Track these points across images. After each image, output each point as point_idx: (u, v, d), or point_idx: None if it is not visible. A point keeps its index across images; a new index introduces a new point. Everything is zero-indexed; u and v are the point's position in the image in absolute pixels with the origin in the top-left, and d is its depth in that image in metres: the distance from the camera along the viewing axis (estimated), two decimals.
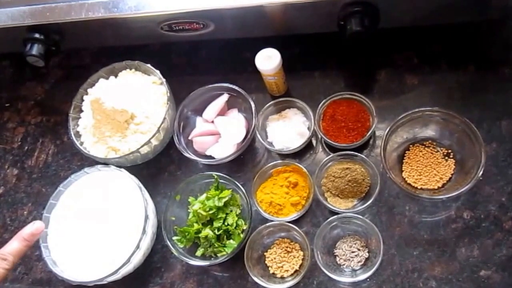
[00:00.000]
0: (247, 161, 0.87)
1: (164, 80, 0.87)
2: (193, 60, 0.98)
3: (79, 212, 0.81)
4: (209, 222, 0.80)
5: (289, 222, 0.78)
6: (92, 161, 0.88)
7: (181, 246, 0.80)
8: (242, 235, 0.78)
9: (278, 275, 0.78)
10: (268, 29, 0.87)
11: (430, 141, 0.80)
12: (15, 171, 0.96)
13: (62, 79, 1.03)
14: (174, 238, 0.80)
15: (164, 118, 0.83)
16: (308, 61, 0.92)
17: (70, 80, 1.00)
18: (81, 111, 0.90)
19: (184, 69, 0.97)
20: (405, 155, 0.81)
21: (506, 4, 0.82)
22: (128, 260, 0.76)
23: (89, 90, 0.90)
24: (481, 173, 0.70)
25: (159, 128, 0.83)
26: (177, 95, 0.90)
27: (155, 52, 0.99)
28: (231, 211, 0.80)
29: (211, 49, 0.97)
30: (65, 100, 0.97)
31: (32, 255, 0.87)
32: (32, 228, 0.69)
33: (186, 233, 0.79)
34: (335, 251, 0.77)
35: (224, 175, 0.82)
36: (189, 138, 0.88)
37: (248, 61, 0.85)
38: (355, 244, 0.77)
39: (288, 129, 0.84)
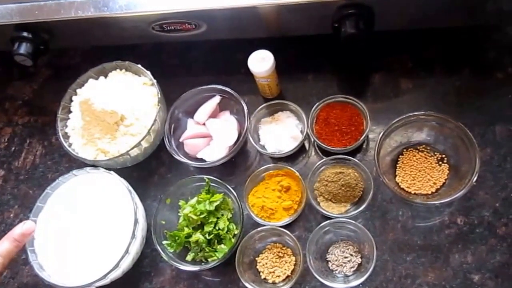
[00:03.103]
0: (239, 164, 0.86)
1: (155, 81, 0.86)
2: (185, 61, 0.96)
3: (66, 216, 0.80)
4: (199, 226, 0.79)
5: (281, 226, 0.77)
6: (80, 163, 0.86)
7: (171, 250, 0.78)
8: (233, 240, 0.77)
9: (270, 281, 0.76)
10: (261, 30, 0.86)
11: (424, 146, 0.79)
12: (2, 172, 0.94)
13: (51, 79, 1.01)
14: (164, 242, 0.78)
15: (155, 120, 0.82)
16: (302, 64, 0.91)
17: (59, 80, 0.98)
18: (70, 111, 0.88)
19: (176, 70, 0.96)
20: (399, 159, 0.80)
21: (501, 9, 0.81)
22: (117, 265, 0.74)
23: (78, 91, 0.88)
24: (475, 178, 0.70)
25: (149, 130, 0.81)
26: (169, 96, 0.88)
27: (147, 53, 0.97)
28: (222, 215, 0.79)
29: (204, 50, 0.95)
30: (53, 100, 0.95)
31: (19, 259, 0.85)
32: (23, 228, 0.67)
33: (176, 238, 0.78)
34: (328, 256, 0.76)
35: (216, 179, 0.80)
36: (180, 140, 0.86)
37: (241, 63, 0.84)
38: (347, 249, 0.76)
39: (281, 132, 0.83)
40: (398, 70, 0.87)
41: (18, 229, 0.67)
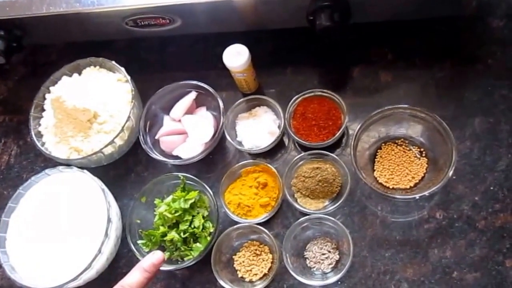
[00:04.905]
0: (217, 161, 0.84)
1: (129, 77, 0.84)
2: (163, 56, 0.94)
3: (39, 216, 0.78)
4: (175, 225, 0.77)
5: (258, 224, 0.76)
6: (56, 163, 0.84)
7: (147, 250, 0.77)
8: (209, 238, 0.75)
9: (247, 279, 0.75)
10: (238, 24, 0.84)
11: (402, 139, 0.78)
12: None
13: (27, 77, 0.99)
14: (139, 242, 0.77)
15: (129, 117, 0.80)
16: (281, 57, 0.89)
17: (35, 78, 0.95)
18: (43, 110, 0.86)
19: (153, 66, 0.94)
20: (377, 153, 0.78)
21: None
22: (90, 265, 0.72)
23: (51, 88, 0.87)
24: (451, 171, 0.68)
25: (123, 127, 0.79)
26: (146, 93, 0.86)
27: (124, 48, 0.95)
28: (198, 213, 0.77)
29: (181, 45, 0.94)
30: (29, 99, 0.91)
31: None
32: (153, 258, 0.63)
33: (152, 237, 0.76)
34: (305, 253, 0.75)
35: (191, 176, 0.79)
36: (156, 137, 0.84)
37: (219, 57, 0.82)
38: (325, 246, 0.74)
39: (258, 127, 0.81)
40: (378, 62, 0.85)
41: (148, 260, 0.63)
